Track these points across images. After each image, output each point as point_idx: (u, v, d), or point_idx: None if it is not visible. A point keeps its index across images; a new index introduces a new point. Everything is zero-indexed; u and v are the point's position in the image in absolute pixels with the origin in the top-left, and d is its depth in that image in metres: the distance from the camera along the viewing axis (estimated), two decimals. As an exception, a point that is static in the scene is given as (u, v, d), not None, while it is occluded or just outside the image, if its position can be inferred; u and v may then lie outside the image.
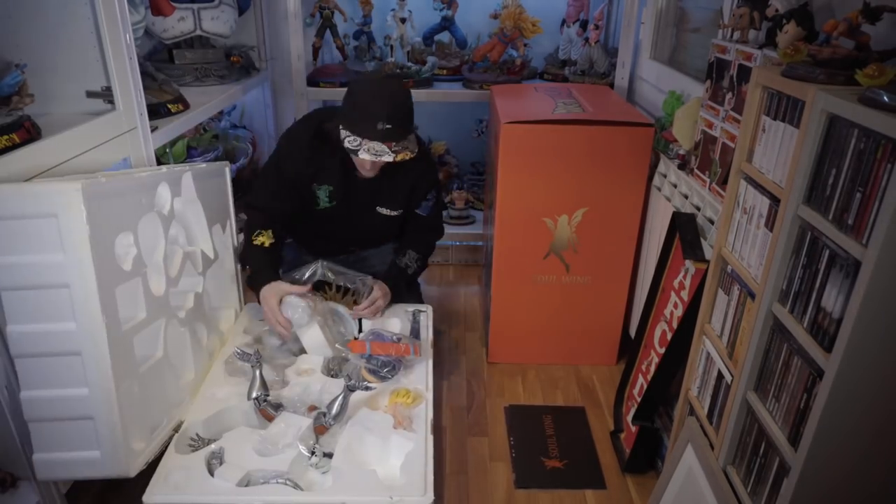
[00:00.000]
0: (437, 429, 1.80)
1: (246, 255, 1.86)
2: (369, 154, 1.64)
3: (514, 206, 1.98)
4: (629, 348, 1.87)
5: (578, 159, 1.90)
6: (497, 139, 1.97)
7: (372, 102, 1.66)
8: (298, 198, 1.87)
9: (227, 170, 1.95)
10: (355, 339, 1.78)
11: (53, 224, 1.15)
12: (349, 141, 1.66)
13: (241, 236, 1.95)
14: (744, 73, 1.39)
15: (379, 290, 1.84)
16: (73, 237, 1.16)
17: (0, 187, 1.16)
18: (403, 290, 1.96)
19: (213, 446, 1.42)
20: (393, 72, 2.60)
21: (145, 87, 1.69)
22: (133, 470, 1.30)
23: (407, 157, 1.68)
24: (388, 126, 1.63)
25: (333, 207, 1.88)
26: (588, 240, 2.01)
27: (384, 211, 1.92)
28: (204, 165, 1.83)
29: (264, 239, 1.81)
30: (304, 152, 1.83)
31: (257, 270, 1.80)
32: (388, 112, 1.64)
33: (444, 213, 2.83)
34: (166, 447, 1.41)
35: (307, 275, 1.83)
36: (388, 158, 1.65)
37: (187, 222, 1.66)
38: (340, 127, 1.69)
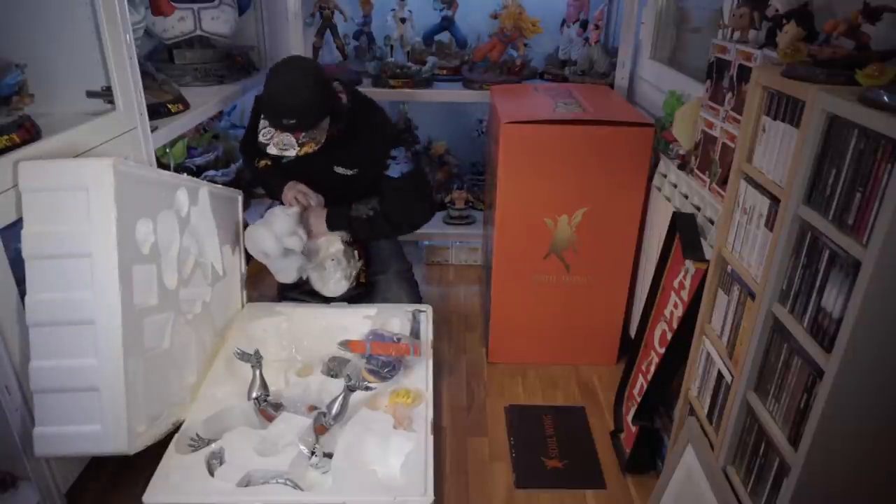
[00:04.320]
0: (437, 429, 1.80)
1: (256, 177, 2.01)
2: (277, 149, 1.73)
3: (514, 206, 1.98)
4: (629, 348, 1.87)
5: (579, 159, 1.90)
6: (497, 139, 1.97)
7: (277, 96, 1.72)
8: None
9: (239, 198, 2.04)
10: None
11: (83, 197, 1.25)
12: (263, 134, 1.74)
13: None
14: (744, 73, 1.39)
15: (315, 199, 1.93)
16: (100, 209, 1.25)
17: (34, 162, 1.26)
18: (344, 226, 1.98)
19: (213, 446, 1.42)
20: (392, 70, 2.59)
21: (145, 87, 1.69)
22: (133, 447, 1.32)
23: (311, 150, 1.74)
24: (292, 121, 1.71)
25: (293, 162, 1.89)
26: (588, 240, 2.01)
27: (340, 170, 1.98)
28: (219, 187, 1.90)
29: (266, 161, 1.96)
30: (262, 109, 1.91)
31: (273, 181, 1.97)
32: (289, 108, 1.69)
33: (444, 213, 2.85)
34: (166, 445, 1.41)
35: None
36: (292, 154, 1.73)
37: (200, 236, 1.71)
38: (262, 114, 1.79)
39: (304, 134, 1.73)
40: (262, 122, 1.77)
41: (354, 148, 1.94)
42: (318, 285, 1.97)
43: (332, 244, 1.95)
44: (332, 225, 1.96)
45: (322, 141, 1.77)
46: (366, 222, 1.98)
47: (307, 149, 1.74)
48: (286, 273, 1.91)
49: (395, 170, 1.97)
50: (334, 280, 1.95)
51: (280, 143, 1.73)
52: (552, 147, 1.89)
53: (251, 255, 1.92)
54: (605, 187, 1.94)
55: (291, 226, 1.85)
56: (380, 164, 1.96)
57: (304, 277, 1.96)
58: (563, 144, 1.89)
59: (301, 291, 2.07)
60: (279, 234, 1.82)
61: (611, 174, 1.92)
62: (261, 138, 1.75)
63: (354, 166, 1.98)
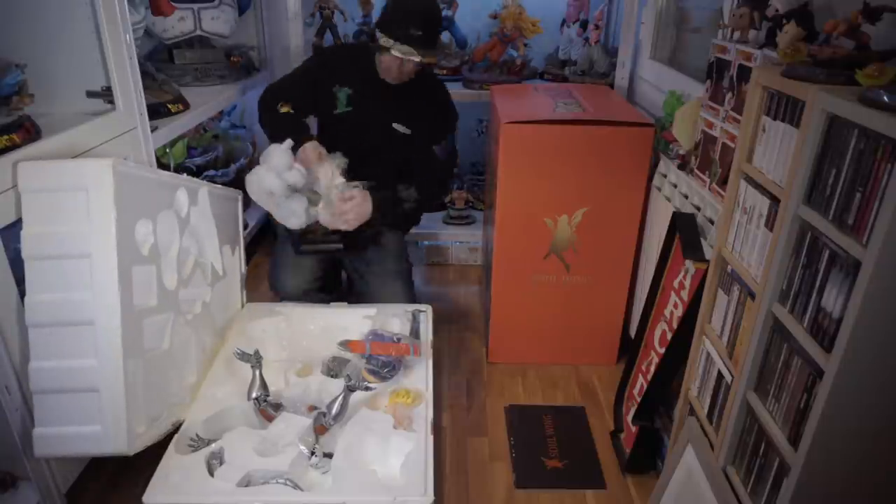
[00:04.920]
0: (437, 429, 1.80)
1: (276, 120, 1.95)
2: (400, 52, 1.79)
3: (514, 206, 1.98)
4: (629, 348, 1.87)
5: (579, 159, 1.90)
6: (497, 139, 1.97)
7: (408, 9, 1.82)
8: (316, 101, 1.99)
9: (239, 198, 2.03)
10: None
11: (83, 197, 1.24)
12: (384, 41, 1.81)
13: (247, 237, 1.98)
14: (744, 73, 1.39)
15: (360, 195, 1.84)
16: (99, 210, 1.25)
17: (34, 163, 1.25)
18: (389, 215, 1.96)
19: (213, 446, 1.42)
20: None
21: (145, 87, 1.69)
22: (133, 448, 1.32)
23: (433, 62, 1.87)
24: (419, 33, 1.78)
25: (350, 113, 1.97)
26: (588, 240, 2.01)
27: (399, 127, 1.99)
28: (219, 187, 1.89)
29: (287, 108, 1.94)
30: (329, 57, 2.09)
31: (292, 128, 1.91)
32: (421, 19, 1.80)
33: (444, 213, 2.85)
34: (166, 446, 1.41)
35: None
36: (416, 59, 1.80)
37: (200, 236, 1.71)
38: (377, 30, 1.85)
39: (423, 50, 1.80)
40: (379, 34, 1.82)
41: (420, 106, 1.99)
42: (329, 219, 1.89)
43: (334, 177, 1.89)
44: (384, 211, 1.91)
45: (438, 63, 1.92)
46: (412, 208, 2.00)
47: (430, 59, 1.85)
48: (296, 215, 1.86)
49: (440, 149, 2.01)
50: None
51: (402, 51, 1.79)
52: (552, 147, 1.89)
53: (254, 204, 1.88)
54: (605, 187, 1.94)
55: (288, 161, 1.83)
56: (438, 132, 1.98)
57: (314, 216, 1.88)
58: (563, 144, 1.89)
59: (315, 241, 1.98)
60: (279, 169, 1.81)
61: (611, 174, 1.92)
62: (382, 43, 1.81)
63: (413, 124, 2.00)
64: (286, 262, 2.07)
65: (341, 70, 1.99)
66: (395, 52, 1.79)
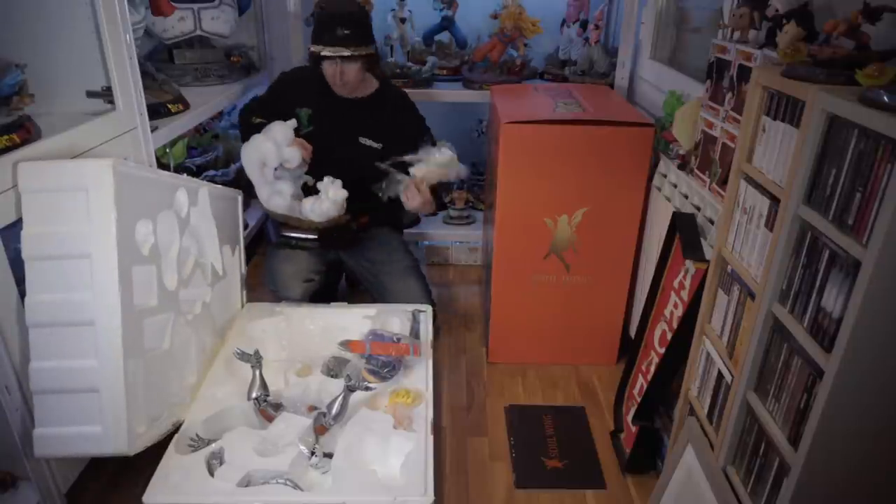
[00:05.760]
0: (437, 429, 1.80)
1: (252, 129, 1.96)
2: (331, 51, 1.87)
3: (514, 206, 1.98)
4: (629, 348, 1.87)
5: (579, 159, 1.90)
6: (497, 139, 1.97)
7: (331, 14, 1.91)
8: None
9: (239, 198, 2.04)
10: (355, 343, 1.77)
11: (82, 197, 1.25)
12: (314, 48, 1.89)
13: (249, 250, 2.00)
14: (744, 73, 1.39)
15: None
16: (99, 210, 1.25)
17: (34, 163, 1.25)
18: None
19: (213, 446, 1.42)
20: (392, 70, 2.61)
21: (145, 87, 1.69)
22: (133, 448, 1.32)
23: (362, 54, 1.90)
24: (346, 31, 1.86)
25: (314, 132, 2.00)
26: (588, 240, 2.01)
27: (366, 142, 2.03)
28: (219, 187, 1.90)
29: (260, 119, 1.98)
30: (290, 79, 2.11)
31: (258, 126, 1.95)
32: (345, 19, 1.88)
33: (444, 213, 2.85)
34: (166, 446, 1.41)
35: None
36: (346, 53, 1.87)
37: (200, 236, 1.71)
38: (310, 46, 1.92)
39: (354, 47, 1.87)
40: (312, 48, 1.91)
41: (385, 119, 2.04)
42: (313, 206, 1.93)
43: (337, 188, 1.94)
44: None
45: (373, 57, 1.94)
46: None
47: (359, 51, 1.89)
48: (281, 195, 1.92)
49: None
50: (334, 188, 1.92)
51: (333, 51, 1.86)
52: (552, 147, 1.89)
53: (247, 171, 1.92)
54: (605, 187, 1.94)
55: (289, 137, 1.87)
56: (407, 144, 1.98)
57: (297, 210, 1.94)
58: (564, 144, 1.89)
59: (294, 230, 2.02)
60: (278, 141, 1.84)
61: (611, 174, 1.92)
62: (312, 48, 1.90)
63: (381, 139, 2.02)
64: (280, 258, 2.08)
65: (300, 91, 2.05)
66: (325, 53, 1.87)
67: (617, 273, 2.06)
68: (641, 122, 1.92)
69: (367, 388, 1.57)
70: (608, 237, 2.00)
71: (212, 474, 1.35)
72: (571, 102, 2.09)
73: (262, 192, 1.92)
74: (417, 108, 2.16)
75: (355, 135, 2.02)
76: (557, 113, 1.97)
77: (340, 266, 2.28)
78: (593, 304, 2.10)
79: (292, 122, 1.90)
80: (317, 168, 1.98)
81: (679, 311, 1.57)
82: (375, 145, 2.02)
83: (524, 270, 2.06)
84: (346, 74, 1.93)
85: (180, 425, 1.49)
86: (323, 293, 2.18)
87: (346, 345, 1.71)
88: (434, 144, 2.01)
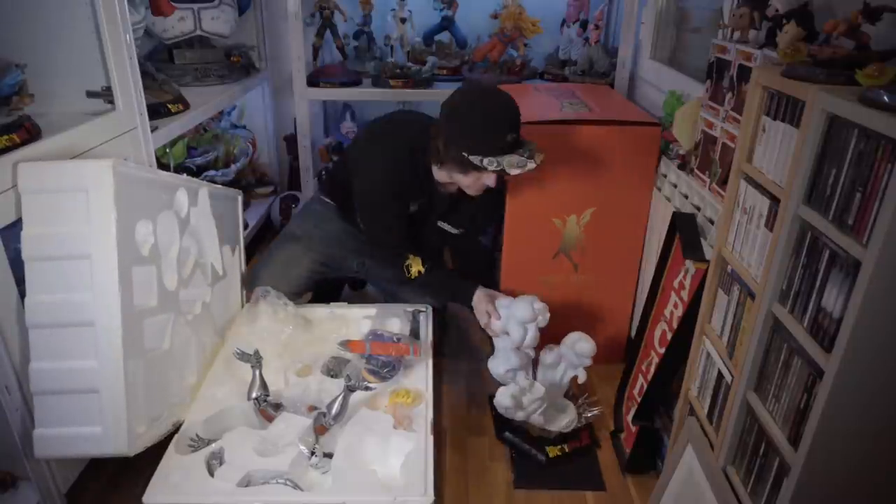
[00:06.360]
0: (437, 429, 1.80)
1: (427, 284, 1.84)
2: (517, 167, 1.57)
3: (523, 207, 1.98)
4: (629, 348, 1.87)
5: (586, 159, 1.90)
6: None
7: (495, 116, 1.60)
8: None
9: (239, 198, 2.02)
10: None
11: (82, 198, 1.24)
12: (487, 162, 1.57)
13: (249, 258, 1.97)
14: (744, 73, 1.39)
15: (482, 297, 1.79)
16: (99, 211, 1.25)
17: (34, 164, 1.25)
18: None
19: (213, 446, 1.42)
20: (392, 71, 2.59)
21: (145, 87, 1.69)
22: (133, 449, 1.31)
23: (542, 159, 1.61)
24: (514, 135, 1.60)
25: (412, 214, 1.86)
26: (596, 239, 2.01)
27: (445, 227, 1.92)
28: (219, 187, 1.89)
29: (417, 265, 1.81)
30: (408, 177, 1.77)
31: (452, 289, 1.85)
32: (511, 121, 1.59)
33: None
34: (166, 446, 1.41)
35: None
36: (532, 166, 1.59)
37: (200, 236, 1.71)
38: (464, 153, 1.60)
39: (523, 150, 1.60)
40: (475, 158, 1.58)
41: (471, 208, 1.88)
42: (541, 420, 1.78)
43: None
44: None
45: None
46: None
47: (540, 157, 1.60)
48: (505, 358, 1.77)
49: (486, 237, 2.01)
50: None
51: (513, 163, 1.57)
52: (560, 147, 1.89)
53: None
54: (612, 187, 1.94)
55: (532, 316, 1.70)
56: (482, 229, 1.95)
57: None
58: (572, 144, 1.89)
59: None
60: (520, 319, 1.70)
61: (618, 173, 1.92)
62: (487, 166, 1.57)
63: (462, 226, 1.92)
64: (269, 270, 2.01)
65: (415, 187, 1.82)
66: (511, 171, 1.58)
67: (624, 272, 2.07)
68: (648, 121, 1.93)
69: (367, 388, 1.57)
70: (616, 236, 2.01)
71: (212, 474, 1.35)
72: (577, 102, 2.09)
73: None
74: (503, 191, 1.94)
75: (435, 221, 1.92)
76: (565, 112, 1.97)
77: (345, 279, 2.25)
78: (601, 303, 2.10)
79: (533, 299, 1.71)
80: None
81: (679, 311, 1.57)
82: (455, 231, 1.94)
83: (533, 271, 2.06)
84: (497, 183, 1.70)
85: (180, 425, 1.48)
86: (325, 293, 2.18)
87: (346, 345, 1.71)
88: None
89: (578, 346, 1.75)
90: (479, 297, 1.81)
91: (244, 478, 1.34)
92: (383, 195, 1.79)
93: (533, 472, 1.73)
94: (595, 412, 1.83)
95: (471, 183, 1.71)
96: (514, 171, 1.59)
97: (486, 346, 2.23)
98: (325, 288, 2.21)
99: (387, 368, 1.67)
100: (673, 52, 2.33)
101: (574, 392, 1.88)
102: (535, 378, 1.78)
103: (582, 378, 1.76)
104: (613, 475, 1.73)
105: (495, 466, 1.75)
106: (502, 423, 1.81)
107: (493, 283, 2.00)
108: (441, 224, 1.91)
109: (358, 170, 1.84)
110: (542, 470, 1.73)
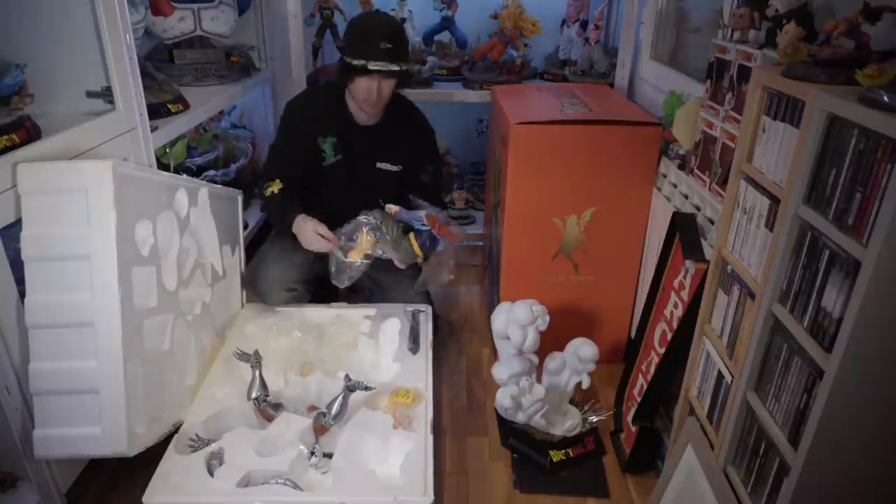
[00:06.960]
0: (437, 429, 1.80)
1: (265, 206, 1.98)
2: (377, 66, 1.75)
3: (523, 207, 1.98)
4: (629, 348, 1.87)
5: (587, 159, 1.90)
6: (505, 140, 1.97)
7: (372, 26, 1.83)
8: (305, 158, 1.94)
9: (239, 198, 2.04)
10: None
11: (82, 198, 1.25)
12: (357, 62, 1.76)
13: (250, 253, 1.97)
14: (744, 73, 1.39)
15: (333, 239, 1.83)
16: (99, 211, 1.25)
17: (34, 164, 1.25)
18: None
19: (213, 446, 1.42)
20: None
21: (145, 87, 1.69)
22: (132, 449, 1.31)
23: (404, 69, 1.81)
24: (388, 45, 1.76)
25: (339, 162, 1.95)
26: (597, 239, 2.01)
27: (384, 166, 1.99)
28: (219, 187, 1.91)
29: (273, 187, 1.89)
30: (305, 110, 1.96)
31: (280, 211, 1.89)
32: (388, 31, 1.79)
33: (445, 212, 2.84)
34: (166, 446, 1.41)
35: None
36: (394, 67, 1.77)
37: (200, 236, 1.71)
38: (345, 58, 1.81)
39: (398, 63, 1.78)
40: (348, 60, 1.79)
41: (403, 139, 1.98)
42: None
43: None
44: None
45: (401, 80, 1.84)
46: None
47: (403, 66, 1.79)
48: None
49: (427, 173, 2.03)
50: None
51: (377, 66, 1.76)
52: (561, 147, 1.89)
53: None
54: (613, 187, 1.94)
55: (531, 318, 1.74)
56: (424, 160, 1.99)
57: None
58: (572, 144, 1.89)
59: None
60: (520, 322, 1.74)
61: (619, 173, 1.92)
62: (354, 61, 1.78)
63: (399, 162, 2.00)
64: (267, 264, 2.02)
65: (320, 118, 1.94)
66: (371, 67, 1.75)
67: (624, 272, 2.07)
68: (648, 121, 1.93)
69: (366, 388, 1.57)
70: (616, 236, 2.01)
71: (211, 474, 1.35)
72: (577, 102, 2.09)
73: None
74: (430, 125, 2.10)
75: (374, 160, 1.98)
76: (566, 113, 1.97)
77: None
78: (601, 303, 2.10)
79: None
80: (337, 197, 1.96)
81: (679, 311, 1.57)
82: (394, 168, 2.00)
83: (533, 271, 2.06)
84: (383, 91, 1.83)
85: (180, 426, 1.49)
86: (324, 293, 2.18)
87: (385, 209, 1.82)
88: (440, 175, 2.04)
89: (581, 351, 1.75)
90: (300, 222, 1.83)
91: (244, 478, 1.34)
92: (278, 131, 2.03)
93: (536, 476, 1.73)
94: (601, 417, 1.82)
95: (364, 89, 1.82)
96: (372, 67, 1.76)
97: (487, 346, 2.24)
98: (325, 288, 2.20)
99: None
100: (673, 52, 2.33)
101: (578, 399, 1.88)
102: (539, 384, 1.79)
103: (586, 384, 1.77)
104: (614, 475, 1.73)
105: (495, 467, 1.75)
106: (508, 431, 1.81)
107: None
108: (380, 165, 1.99)
109: None
110: (544, 474, 1.73)
